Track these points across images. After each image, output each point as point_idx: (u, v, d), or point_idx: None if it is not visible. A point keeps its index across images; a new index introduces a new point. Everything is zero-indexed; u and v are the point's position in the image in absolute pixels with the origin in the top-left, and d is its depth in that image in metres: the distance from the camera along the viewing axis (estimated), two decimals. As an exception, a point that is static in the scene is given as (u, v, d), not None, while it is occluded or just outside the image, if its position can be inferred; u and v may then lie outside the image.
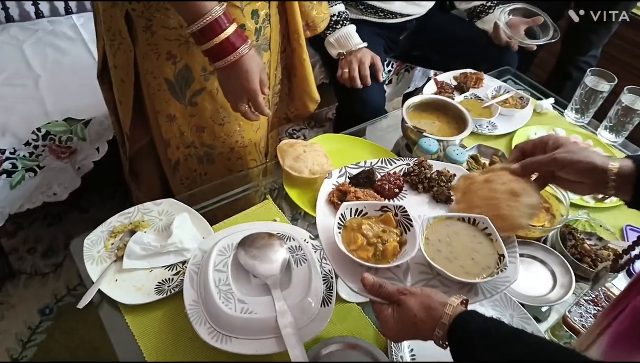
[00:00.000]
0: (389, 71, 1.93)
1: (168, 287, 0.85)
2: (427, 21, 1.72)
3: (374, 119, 1.36)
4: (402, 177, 0.93)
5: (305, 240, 0.87)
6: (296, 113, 1.37)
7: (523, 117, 1.31)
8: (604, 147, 1.26)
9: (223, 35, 0.89)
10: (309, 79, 1.29)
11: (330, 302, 0.79)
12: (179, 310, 0.81)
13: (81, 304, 0.82)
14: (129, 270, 0.87)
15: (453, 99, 1.26)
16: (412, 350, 0.80)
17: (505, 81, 1.46)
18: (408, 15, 1.66)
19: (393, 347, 0.78)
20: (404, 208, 0.78)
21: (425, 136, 1.10)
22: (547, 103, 1.37)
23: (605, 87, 1.26)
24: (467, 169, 1.12)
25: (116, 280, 0.86)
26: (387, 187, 0.89)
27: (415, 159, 0.95)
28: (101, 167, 1.57)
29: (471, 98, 1.34)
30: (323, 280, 0.81)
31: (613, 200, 1.07)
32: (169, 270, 0.89)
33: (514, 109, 1.32)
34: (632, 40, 2.28)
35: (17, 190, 1.43)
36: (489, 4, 1.66)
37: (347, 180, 0.92)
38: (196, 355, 0.77)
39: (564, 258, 0.93)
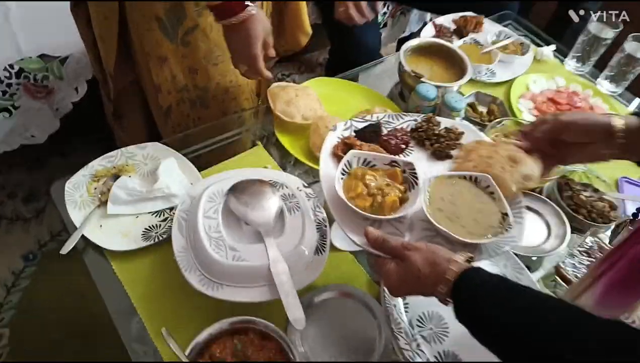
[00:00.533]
0: (385, 13, 1.84)
1: (155, 233, 0.83)
2: (426, -41, 1.62)
3: (368, 64, 1.30)
4: (409, 133, 0.90)
5: (298, 188, 0.84)
6: (287, 47, 1.31)
7: (523, 64, 1.27)
8: (603, 96, 1.23)
9: None
10: (301, 9, 1.21)
11: (324, 251, 0.78)
12: (167, 258, 0.78)
13: (64, 250, 0.79)
14: (114, 215, 0.84)
15: (452, 43, 1.20)
16: (405, 297, 0.79)
17: (506, 26, 1.40)
18: (406, -48, 1.56)
19: (386, 295, 0.77)
20: (412, 166, 0.75)
21: (424, 82, 1.05)
22: (548, 50, 1.32)
23: (609, 33, 1.21)
24: (465, 119, 1.09)
25: (101, 226, 0.83)
26: (393, 143, 0.86)
27: (424, 115, 0.91)
28: (81, 109, 1.50)
29: (470, 43, 1.29)
30: (317, 228, 0.79)
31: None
32: (155, 216, 0.86)
33: (514, 55, 1.27)
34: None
35: (-8, 131, 1.37)
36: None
37: (353, 133, 0.88)
38: (186, 302, 0.76)
39: (559, 209, 0.92)
